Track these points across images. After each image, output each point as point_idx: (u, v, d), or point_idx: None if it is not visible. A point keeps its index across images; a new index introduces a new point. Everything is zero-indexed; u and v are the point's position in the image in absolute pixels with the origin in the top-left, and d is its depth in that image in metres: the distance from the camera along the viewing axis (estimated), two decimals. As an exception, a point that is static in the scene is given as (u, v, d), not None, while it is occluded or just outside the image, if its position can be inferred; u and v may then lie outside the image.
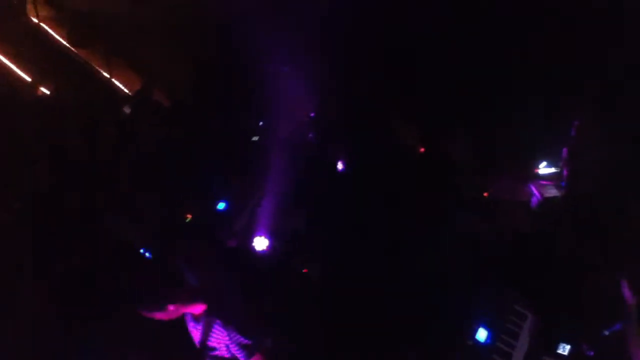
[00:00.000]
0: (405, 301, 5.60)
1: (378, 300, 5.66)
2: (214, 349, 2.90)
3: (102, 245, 5.74)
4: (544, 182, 6.77)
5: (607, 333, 4.42)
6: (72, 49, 8.14)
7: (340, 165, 7.25)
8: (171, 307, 2.71)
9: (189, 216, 6.61)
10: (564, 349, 4.60)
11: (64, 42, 8.06)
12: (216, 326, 2.86)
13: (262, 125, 7.73)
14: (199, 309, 2.87)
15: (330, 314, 5.69)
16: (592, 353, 4.56)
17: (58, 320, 4.92)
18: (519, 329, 4.85)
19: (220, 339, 2.86)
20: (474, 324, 5.04)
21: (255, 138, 7.58)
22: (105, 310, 4.79)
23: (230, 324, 2.84)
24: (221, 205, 6.78)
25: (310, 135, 7.59)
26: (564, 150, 6.72)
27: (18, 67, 7.47)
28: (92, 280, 5.31)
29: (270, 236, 6.54)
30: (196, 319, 2.94)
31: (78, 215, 6.05)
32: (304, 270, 6.32)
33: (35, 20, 7.72)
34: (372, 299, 5.68)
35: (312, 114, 7.75)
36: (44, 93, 7.66)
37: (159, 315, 2.74)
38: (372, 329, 5.43)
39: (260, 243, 6.45)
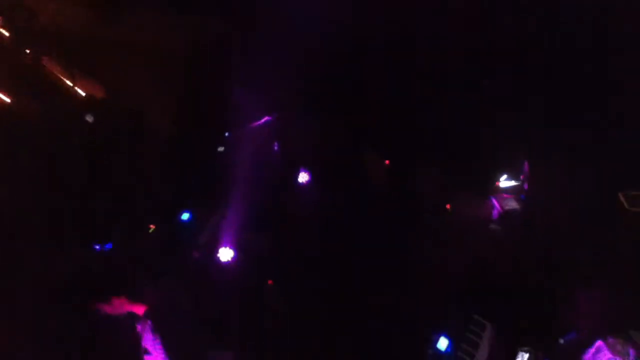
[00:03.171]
0: (368, 312, 5.66)
1: (341, 312, 5.70)
2: (147, 351, 2.95)
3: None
4: (505, 195, 6.92)
5: (562, 342, 4.57)
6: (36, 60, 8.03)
7: (305, 177, 7.29)
8: (116, 301, 2.77)
9: (152, 226, 6.51)
10: (523, 357, 4.73)
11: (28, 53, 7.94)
12: (149, 329, 2.92)
13: (228, 136, 7.70)
14: (140, 309, 2.93)
15: (295, 326, 5.69)
16: (548, 361, 4.69)
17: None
18: (479, 338, 4.97)
19: (151, 343, 2.92)
20: (435, 333, 5.13)
21: (220, 149, 7.54)
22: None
23: (159, 331, 2.92)
24: (185, 216, 6.71)
25: (275, 145, 7.62)
26: (525, 163, 6.91)
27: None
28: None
29: (235, 248, 6.50)
30: (136, 318, 2.99)
31: (40, 218, 5.99)
32: (269, 282, 6.29)
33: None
34: (335, 310, 5.72)
35: (271, 117, 7.81)
36: (4, 101, 7.50)
37: (103, 307, 2.79)
38: (334, 341, 5.46)
39: (225, 254, 6.41)
